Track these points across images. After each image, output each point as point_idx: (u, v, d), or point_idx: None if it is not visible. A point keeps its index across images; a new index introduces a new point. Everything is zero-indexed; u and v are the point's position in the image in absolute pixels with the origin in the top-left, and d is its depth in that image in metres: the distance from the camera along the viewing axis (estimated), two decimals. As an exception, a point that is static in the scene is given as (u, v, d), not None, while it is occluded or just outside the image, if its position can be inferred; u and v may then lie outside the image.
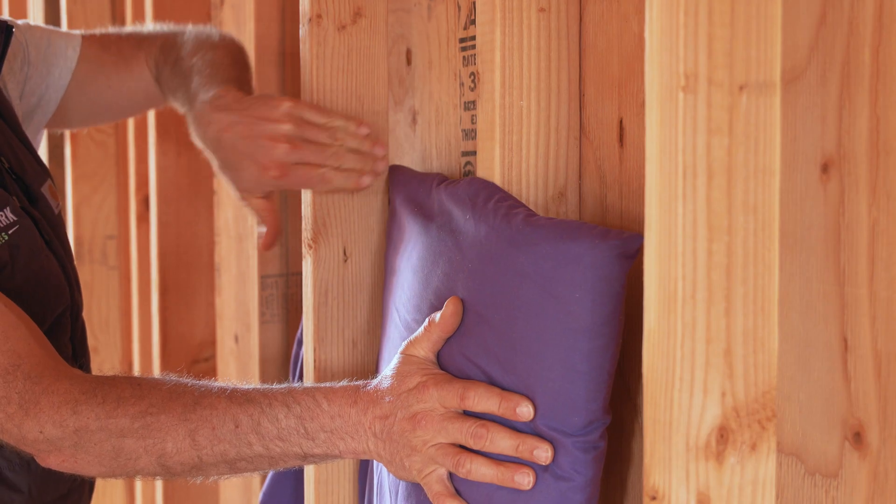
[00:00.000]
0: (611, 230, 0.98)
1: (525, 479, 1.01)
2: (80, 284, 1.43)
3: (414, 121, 1.39)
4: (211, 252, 2.26)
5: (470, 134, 1.29)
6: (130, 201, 2.48)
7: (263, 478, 1.96)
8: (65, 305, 1.35)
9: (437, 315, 1.09)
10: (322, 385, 1.13)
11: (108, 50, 1.57)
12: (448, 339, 1.10)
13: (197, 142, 1.40)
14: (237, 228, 2.12)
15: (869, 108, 0.80)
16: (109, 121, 1.66)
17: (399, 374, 1.09)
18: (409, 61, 1.39)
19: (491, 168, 1.15)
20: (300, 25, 1.38)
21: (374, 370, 1.39)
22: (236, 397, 1.12)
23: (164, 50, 1.54)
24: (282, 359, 2.02)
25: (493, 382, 1.05)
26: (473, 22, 1.26)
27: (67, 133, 2.47)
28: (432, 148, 1.37)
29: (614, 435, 1.09)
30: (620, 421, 1.09)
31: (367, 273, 1.40)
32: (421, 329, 1.11)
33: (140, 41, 1.58)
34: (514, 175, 1.14)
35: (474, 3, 1.25)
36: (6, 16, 2.89)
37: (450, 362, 1.10)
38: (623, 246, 0.97)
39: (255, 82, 1.92)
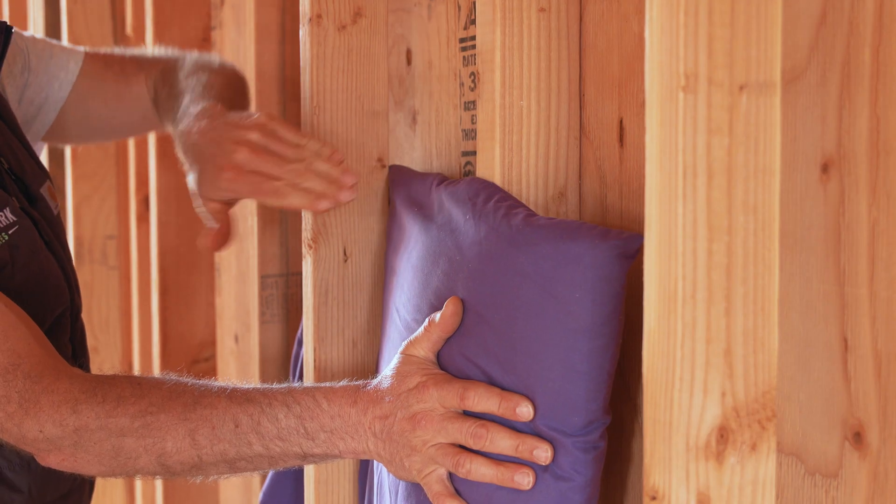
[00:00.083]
0: (611, 230, 0.98)
1: (525, 479, 1.01)
2: (80, 285, 1.43)
3: (414, 121, 1.39)
4: (211, 252, 2.26)
5: (470, 134, 1.29)
6: (130, 201, 2.48)
7: (263, 478, 1.96)
8: (64, 306, 1.35)
9: (437, 315, 1.09)
10: (322, 385, 1.13)
11: (110, 68, 1.57)
12: (448, 339, 1.10)
13: (179, 155, 1.39)
14: (237, 228, 2.12)
15: (869, 108, 0.80)
16: (104, 139, 1.64)
17: (399, 374, 1.09)
18: (409, 61, 1.39)
19: (491, 168, 1.15)
20: (300, 25, 1.38)
21: (374, 370, 1.39)
22: (236, 397, 1.12)
23: (164, 74, 1.54)
24: (282, 359, 2.02)
25: (492, 382, 1.05)
26: (473, 22, 1.26)
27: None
28: (432, 148, 1.37)
29: (614, 435, 1.09)
30: (620, 421, 1.09)
31: (367, 273, 1.40)
32: (421, 329, 1.11)
33: (142, 63, 1.58)
34: (514, 175, 1.14)
35: (474, 3, 1.25)
36: (6, 16, 2.90)
37: (450, 362, 1.10)
38: (623, 246, 0.97)
39: (255, 83, 1.93)
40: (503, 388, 1.04)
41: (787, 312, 0.86)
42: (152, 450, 1.12)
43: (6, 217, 1.27)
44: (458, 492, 1.07)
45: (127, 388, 1.13)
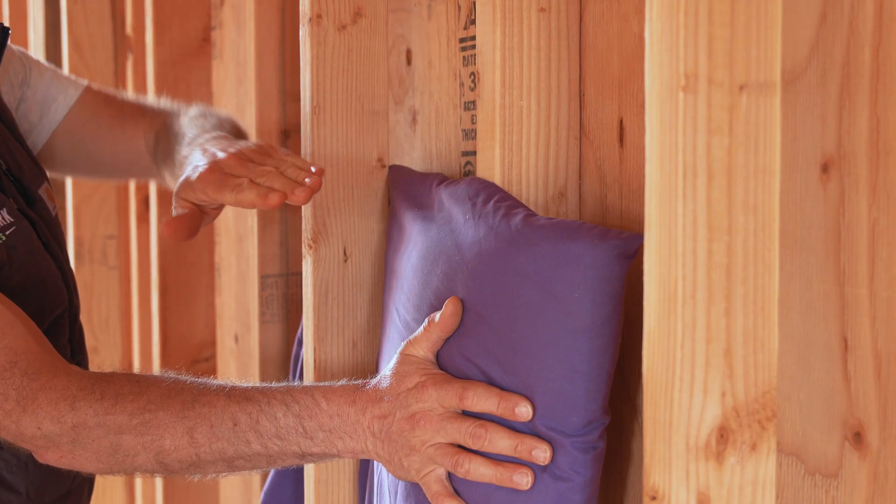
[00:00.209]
0: (610, 230, 0.98)
1: (524, 480, 1.01)
2: (80, 285, 1.43)
3: (414, 121, 1.39)
4: (211, 252, 2.26)
5: (470, 134, 1.29)
6: (130, 201, 2.48)
7: (264, 478, 1.96)
8: (62, 307, 1.35)
9: (437, 315, 1.09)
10: (321, 384, 1.13)
11: (109, 106, 1.58)
12: (447, 339, 1.10)
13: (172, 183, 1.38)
14: (237, 228, 2.12)
15: (869, 108, 0.80)
16: (89, 174, 1.60)
17: (398, 373, 1.09)
18: (409, 61, 1.39)
19: (491, 168, 1.15)
20: (300, 25, 1.38)
21: (374, 370, 1.39)
22: (235, 395, 1.12)
23: (167, 123, 1.54)
24: (282, 359, 2.02)
25: (492, 382, 1.05)
26: (473, 22, 1.26)
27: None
28: (432, 148, 1.37)
29: (614, 435, 1.09)
30: (620, 421, 1.09)
31: (367, 273, 1.40)
32: (420, 329, 1.11)
33: (144, 111, 1.58)
34: (514, 175, 1.14)
35: (474, 3, 1.25)
36: (6, 16, 2.90)
37: (449, 362, 1.10)
38: (623, 246, 0.97)
39: (255, 83, 1.93)
40: (502, 388, 1.04)
41: (787, 312, 0.86)
42: (150, 447, 1.12)
43: (3, 218, 1.27)
44: (456, 492, 1.07)
45: (125, 385, 1.13)
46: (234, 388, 1.13)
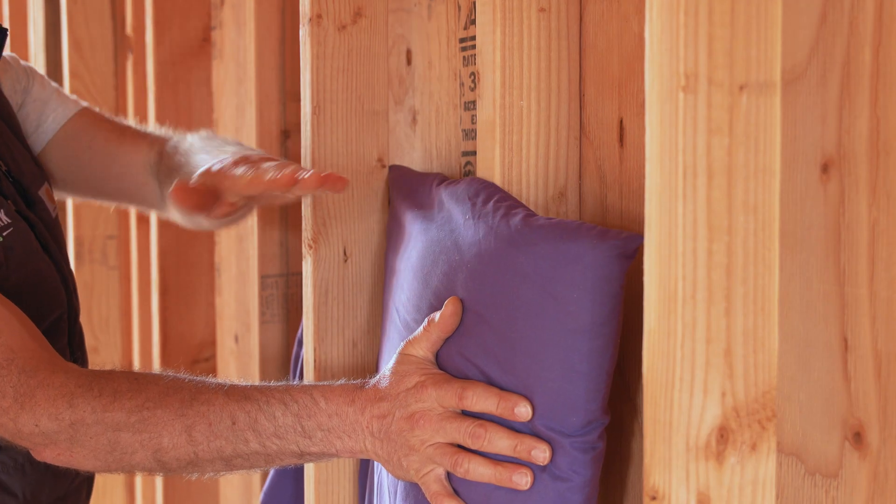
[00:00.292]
0: (610, 230, 0.98)
1: (523, 480, 1.01)
2: (80, 285, 1.43)
3: (414, 121, 1.39)
4: (211, 252, 2.26)
5: (470, 134, 1.29)
6: (130, 201, 2.47)
7: (263, 478, 1.96)
8: (61, 309, 1.35)
9: (437, 315, 1.09)
10: (320, 383, 1.13)
11: (107, 123, 1.57)
12: (447, 339, 1.10)
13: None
14: (237, 228, 2.12)
15: (869, 108, 0.80)
16: (84, 192, 1.59)
17: (397, 373, 1.09)
18: (409, 61, 1.39)
19: (491, 168, 1.15)
20: (300, 25, 1.38)
21: (374, 370, 1.39)
22: (234, 394, 1.12)
23: (173, 143, 1.54)
24: (282, 359, 2.02)
25: (491, 382, 1.05)
26: (473, 22, 1.26)
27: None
28: (432, 148, 1.37)
29: (614, 435, 1.09)
30: (620, 421, 1.09)
31: (367, 273, 1.40)
32: (420, 329, 1.11)
33: (146, 133, 1.58)
34: (514, 175, 1.14)
35: (474, 3, 1.25)
36: (6, 16, 2.90)
37: (448, 362, 1.10)
38: (622, 246, 0.97)
39: (255, 83, 1.93)
40: (502, 388, 1.04)
41: (787, 312, 0.86)
42: (148, 445, 1.12)
43: (0, 219, 1.27)
44: (456, 491, 1.07)
45: (124, 383, 1.13)
46: (232, 387, 1.13)
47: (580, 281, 0.97)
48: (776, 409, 0.86)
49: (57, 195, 1.54)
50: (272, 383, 1.14)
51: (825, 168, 0.83)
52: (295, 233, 1.98)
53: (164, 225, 2.24)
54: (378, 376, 1.11)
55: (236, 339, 2.15)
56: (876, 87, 0.79)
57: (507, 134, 1.14)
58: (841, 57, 0.82)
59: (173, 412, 1.11)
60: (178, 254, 2.25)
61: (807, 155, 0.84)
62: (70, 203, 2.52)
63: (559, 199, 1.16)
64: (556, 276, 0.99)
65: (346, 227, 1.38)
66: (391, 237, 1.33)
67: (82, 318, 1.45)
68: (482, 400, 1.04)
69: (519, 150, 1.14)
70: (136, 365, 2.47)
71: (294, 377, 1.70)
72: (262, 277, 1.98)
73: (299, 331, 1.72)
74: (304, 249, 1.39)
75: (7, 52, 1.48)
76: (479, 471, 1.03)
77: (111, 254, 2.55)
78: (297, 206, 1.77)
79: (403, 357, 1.10)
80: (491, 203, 1.10)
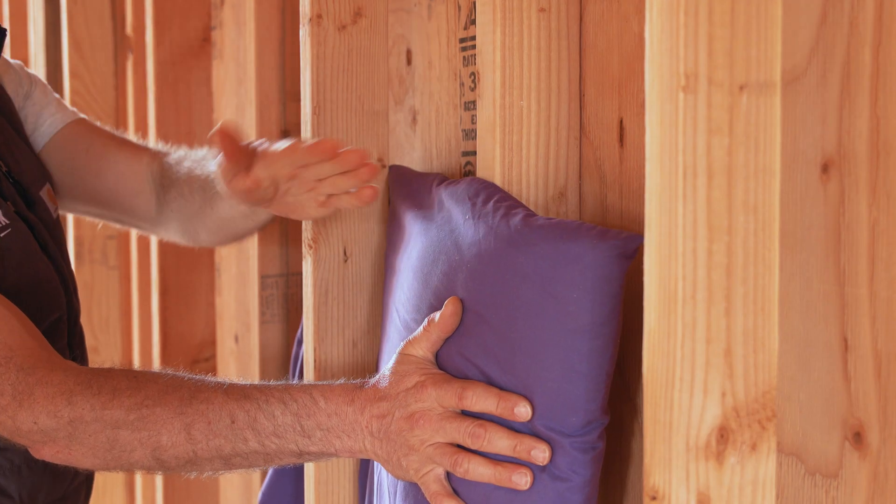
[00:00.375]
0: (609, 230, 0.98)
1: (523, 480, 1.01)
2: (80, 285, 1.42)
3: (414, 121, 1.39)
4: (211, 252, 2.26)
5: (470, 134, 1.29)
6: (131, 201, 2.47)
7: (263, 477, 1.96)
8: (60, 311, 1.35)
9: (437, 315, 1.09)
10: (320, 383, 1.13)
11: (109, 133, 1.57)
12: (447, 339, 1.10)
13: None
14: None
15: (869, 108, 0.80)
16: (73, 200, 1.57)
17: (397, 373, 1.09)
18: (409, 61, 1.39)
19: (491, 168, 1.15)
20: (300, 25, 1.38)
21: (374, 370, 1.39)
22: (233, 393, 1.12)
23: (180, 155, 1.53)
24: (282, 359, 2.02)
25: (491, 382, 1.05)
26: (473, 22, 1.26)
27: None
28: (432, 148, 1.37)
29: (614, 435, 1.09)
30: (620, 421, 1.09)
31: (367, 273, 1.40)
32: (420, 329, 1.11)
33: (147, 147, 1.57)
34: (514, 175, 1.14)
35: (474, 3, 1.25)
36: (6, 16, 2.90)
37: (448, 362, 1.10)
38: (622, 246, 0.97)
39: (255, 83, 1.93)
40: (502, 388, 1.04)
41: (787, 312, 0.86)
42: (147, 443, 1.12)
43: None
44: (455, 491, 1.07)
45: (123, 380, 1.13)
46: (232, 386, 1.13)
47: (580, 281, 0.97)
48: (776, 409, 0.86)
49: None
50: (272, 382, 1.14)
51: (825, 168, 0.83)
52: (295, 233, 1.98)
53: (164, 225, 2.24)
54: (378, 376, 1.11)
55: (236, 339, 2.15)
56: (876, 87, 0.79)
57: (507, 134, 1.14)
58: (841, 57, 0.82)
59: (172, 410, 1.11)
60: (178, 254, 2.25)
61: (807, 155, 0.84)
62: (70, 203, 2.52)
63: (559, 199, 1.16)
64: (555, 276, 0.99)
65: (346, 227, 1.38)
66: (391, 237, 1.33)
67: (82, 319, 1.45)
68: (482, 400, 1.04)
69: (519, 150, 1.14)
70: (136, 365, 2.47)
71: (294, 377, 1.70)
72: (262, 277, 1.98)
73: (299, 331, 1.72)
74: (304, 249, 1.39)
75: (8, 54, 1.48)
76: (479, 471, 1.03)
77: (111, 254, 2.55)
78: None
79: (403, 357, 1.10)
80: (491, 203, 1.10)
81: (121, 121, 2.50)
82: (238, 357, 2.14)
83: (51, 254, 1.35)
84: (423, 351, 1.10)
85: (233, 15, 2.11)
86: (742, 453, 0.85)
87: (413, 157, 1.40)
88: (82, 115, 1.56)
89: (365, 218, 1.39)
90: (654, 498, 0.85)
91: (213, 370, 2.26)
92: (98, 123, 1.59)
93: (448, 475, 1.07)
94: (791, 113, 0.85)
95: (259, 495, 1.73)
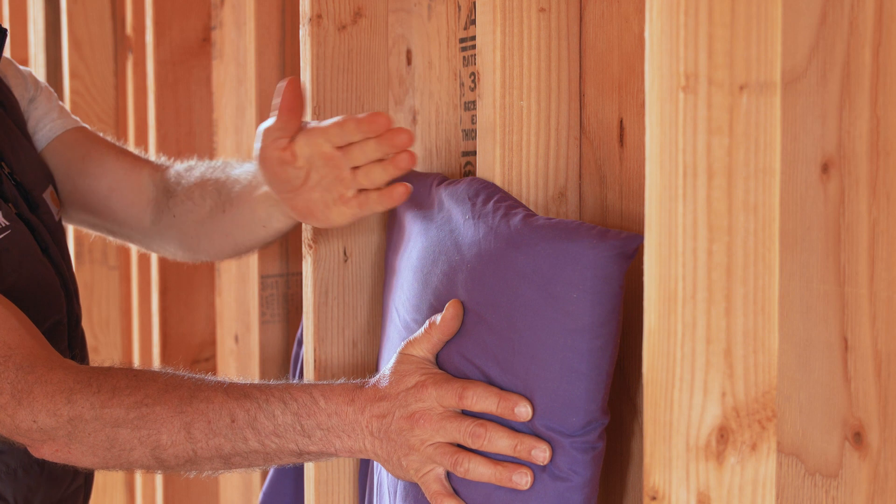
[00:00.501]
0: (609, 230, 0.98)
1: (523, 479, 1.01)
2: (80, 286, 1.42)
3: (414, 121, 1.39)
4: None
5: (470, 134, 1.29)
6: (131, 201, 2.47)
7: (264, 477, 1.96)
8: (60, 313, 1.34)
9: (438, 317, 1.09)
10: (320, 382, 1.13)
11: (111, 143, 1.55)
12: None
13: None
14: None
15: (869, 108, 0.80)
16: (71, 209, 1.56)
17: (397, 372, 1.09)
18: (409, 61, 1.39)
19: (491, 168, 1.15)
20: (300, 25, 1.38)
21: (374, 370, 1.39)
22: (233, 392, 1.12)
23: (189, 165, 1.52)
24: (282, 359, 2.02)
25: (491, 382, 1.05)
26: (473, 22, 1.26)
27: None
28: (432, 148, 1.37)
29: (614, 435, 1.09)
30: (620, 421, 1.09)
31: (367, 273, 1.40)
32: (421, 330, 1.11)
33: (149, 160, 1.55)
34: (514, 175, 1.14)
35: (474, 3, 1.25)
36: (6, 16, 2.90)
37: (448, 362, 1.10)
38: (622, 246, 0.97)
39: (255, 83, 1.93)
40: (502, 388, 1.04)
41: (787, 312, 0.86)
42: (147, 442, 1.12)
43: None
44: (456, 491, 1.07)
45: (122, 379, 1.13)
46: (232, 385, 1.13)
47: (580, 281, 0.97)
48: (776, 409, 0.86)
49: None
50: (272, 382, 1.14)
51: (825, 168, 0.83)
52: (295, 233, 1.98)
53: (164, 225, 2.24)
54: (378, 376, 1.11)
55: (236, 339, 2.15)
56: (876, 87, 0.79)
57: (507, 134, 1.14)
58: (841, 57, 0.82)
59: (172, 409, 1.11)
60: (178, 254, 2.25)
61: (807, 155, 0.84)
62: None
63: (559, 199, 1.16)
64: (555, 276, 0.99)
65: (346, 228, 1.38)
66: (391, 237, 1.33)
67: (82, 319, 1.45)
68: (482, 400, 1.04)
69: (519, 150, 1.14)
70: (137, 365, 2.47)
71: (294, 377, 1.70)
72: (262, 277, 1.99)
73: (299, 331, 1.72)
74: (304, 249, 1.39)
75: (8, 54, 1.48)
76: (479, 470, 1.03)
77: (111, 254, 2.55)
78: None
79: (403, 357, 1.10)
80: (491, 203, 1.10)
81: (121, 121, 2.50)
82: (238, 357, 2.14)
83: (52, 256, 1.35)
84: (424, 352, 1.10)
85: (233, 15, 2.11)
86: (742, 453, 0.85)
87: (413, 157, 1.40)
88: (84, 125, 1.55)
89: (365, 218, 1.39)
90: (654, 498, 0.85)
91: (213, 370, 2.26)
92: (101, 134, 1.58)
93: (448, 475, 1.07)
94: (791, 113, 0.85)
95: (260, 496, 1.73)
